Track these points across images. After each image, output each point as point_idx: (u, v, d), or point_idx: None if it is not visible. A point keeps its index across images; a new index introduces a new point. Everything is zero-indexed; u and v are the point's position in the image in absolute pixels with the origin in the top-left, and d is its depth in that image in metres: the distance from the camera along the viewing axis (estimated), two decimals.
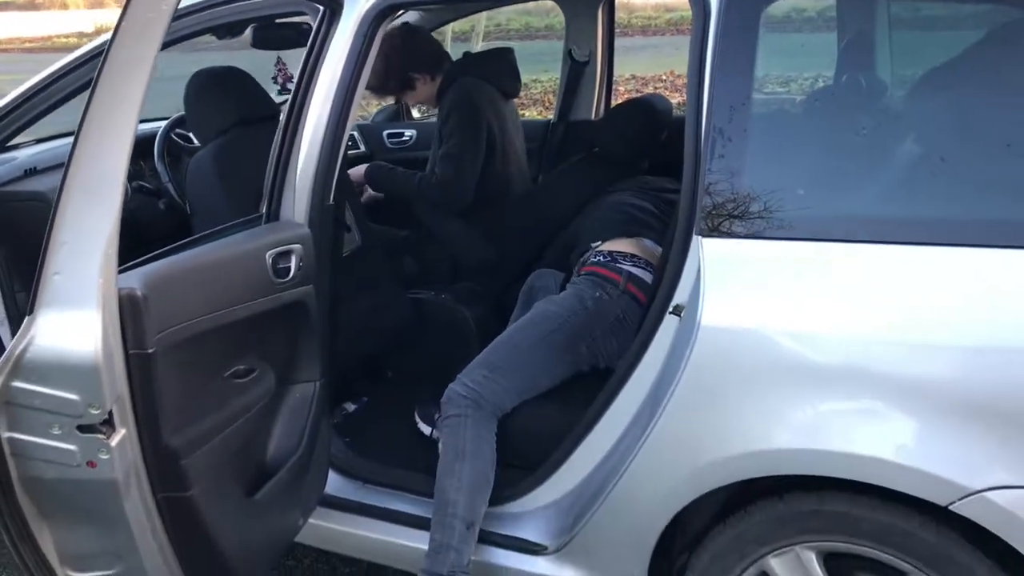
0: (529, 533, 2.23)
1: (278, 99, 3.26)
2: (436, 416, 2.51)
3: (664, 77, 11.27)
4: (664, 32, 17.72)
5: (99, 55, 2.58)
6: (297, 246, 2.16)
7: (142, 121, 1.68)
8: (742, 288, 1.84)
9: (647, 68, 11.78)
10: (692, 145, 1.87)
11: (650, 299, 2.06)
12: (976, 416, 1.63)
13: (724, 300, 1.83)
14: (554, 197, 3.23)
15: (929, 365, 1.68)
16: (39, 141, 3.23)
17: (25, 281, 2.75)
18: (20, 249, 2.77)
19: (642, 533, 2.01)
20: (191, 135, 3.35)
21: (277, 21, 2.72)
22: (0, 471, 1.71)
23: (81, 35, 24.54)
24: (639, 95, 3.61)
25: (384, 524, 2.40)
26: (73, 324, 1.61)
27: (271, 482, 2.12)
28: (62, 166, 2.97)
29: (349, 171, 3.18)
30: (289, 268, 2.13)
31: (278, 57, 3.30)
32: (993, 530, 1.63)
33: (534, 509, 2.23)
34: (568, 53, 4.09)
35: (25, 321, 1.64)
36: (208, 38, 2.68)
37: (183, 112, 3.03)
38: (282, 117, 2.30)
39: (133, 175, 3.12)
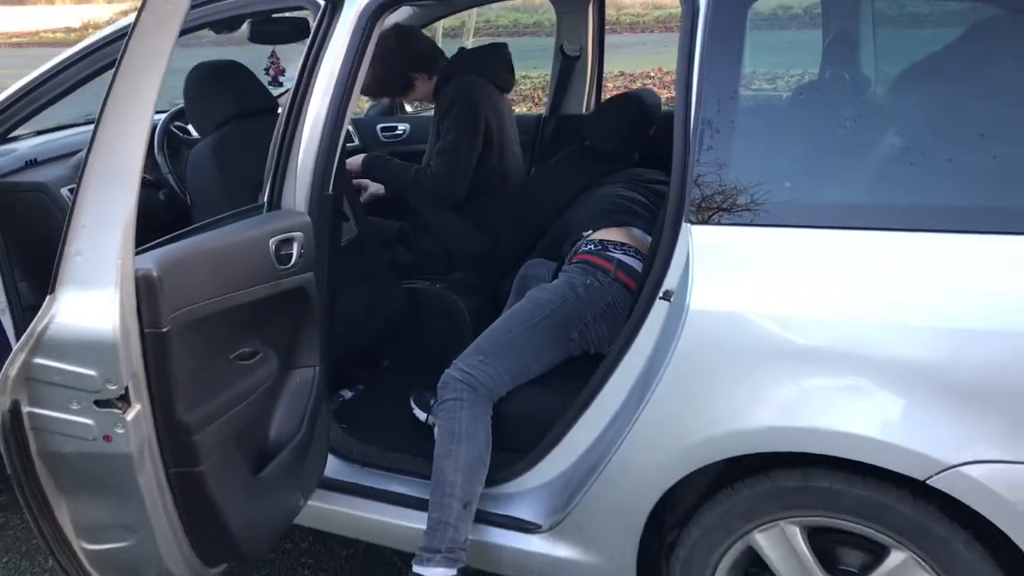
0: (524, 512, 2.28)
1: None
2: (432, 402, 2.56)
3: (652, 74, 11.28)
4: (652, 29, 17.72)
5: (97, 50, 2.67)
6: (299, 234, 2.21)
7: None
8: (729, 273, 1.90)
9: (636, 65, 11.78)
10: (681, 137, 1.93)
11: (640, 286, 2.11)
12: (952, 394, 1.70)
13: (712, 285, 1.89)
14: (545, 189, 3.27)
15: (908, 346, 1.74)
16: (39, 133, 3.27)
17: (26, 270, 2.80)
18: (21, 238, 2.81)
19: (633, 511, 2.07)
20: (190, 127, 3.41)
21: (274, 16, 2.75)
22: (21, 445, 1.76)
23: (68, 30, 24.49)
24: (629, 90, 3.67)
25: (382, 505, 2.44)
26: (92, 303, 1.67)
27: (274, 462, 2.17)
28: (62, 158, 3.07)
29: (347, 160, 3.23)
30: (291, 255, 2.18)
31: (272, 51, 3.35)
32: (968, 503, 1.69)
33: (529, 489, 2.28)
34: (559, 48, 4.14)
35: (47, 300, 1.70)
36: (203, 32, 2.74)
37: (182, 105, 3.07)
38: (283, 109, 2.35)
39: None
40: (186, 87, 2.91)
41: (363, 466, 2.51)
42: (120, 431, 1.73)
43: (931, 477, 1.70)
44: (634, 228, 2.72)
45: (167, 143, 3.26)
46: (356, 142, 4.27)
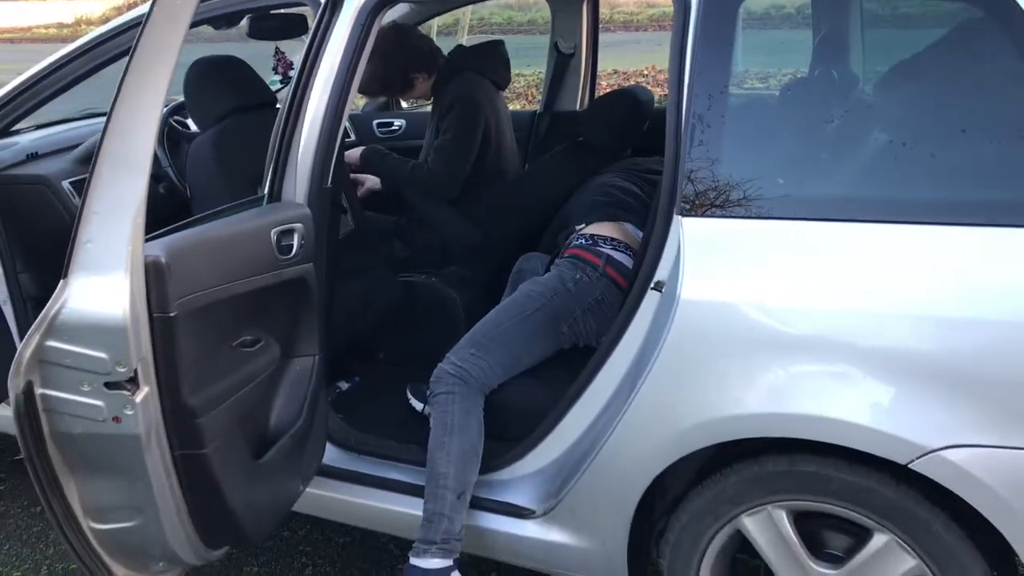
0: (518, 498, 2.32)
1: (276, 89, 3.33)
2: (428, 393, 2.61)
3: (646, 72, 11.29)
4: (646, 28, 17.73)
5: (98, 46, 2.71)
6: (299, 225, 2.25)
7: None
8: (718, 264, 1.94)
9: (629, 63, 11.78)
10: (673, 131, 1.97)
11: (631, 278, 2.15)
12: (934, 381, 1.75)
13: (702, 275, 1.93)
14: (539, 185, 3.30)
15: (892, 335, 1.79)
16: (40, 127, 3.31)
17: (27, 262, 2.84)
18: (22, 230, 2.85)
19: (624, 496, 2.11)
20: (189, 121, 3.45)
21: (272, 12, 2.79)
22: (34, 426, 1.81)
23: (61, 25, 24.46)
24: (623, 87, 3.71)
25: (379, 492, 2.49)
26: (103, 288, 1.72)
27: (275, 448, 2.22)
28: (63, 151, 3.10)
29: (346, 152, 3.26)
30: (292, 246, 2.21)
31: (276, 47, 3.36)
32: (948, 486, 1.74)
33: (522, 476, 2.32)
34: (554, 46, 4.17)
35: (59, 285, 1.75)
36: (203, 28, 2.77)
37: (181, 99, 3.11)
38: (284, 103, 2.39)
39: None
40: (186, 82, 2.94)
41: (360, 454, 2.55)
42: (129, 412, 1.78)
43: (913, 461, 1.75)
44: (626, 223, 2.75)
45: (167, 137, 3.29)
46: (352, 138, 4.30)
